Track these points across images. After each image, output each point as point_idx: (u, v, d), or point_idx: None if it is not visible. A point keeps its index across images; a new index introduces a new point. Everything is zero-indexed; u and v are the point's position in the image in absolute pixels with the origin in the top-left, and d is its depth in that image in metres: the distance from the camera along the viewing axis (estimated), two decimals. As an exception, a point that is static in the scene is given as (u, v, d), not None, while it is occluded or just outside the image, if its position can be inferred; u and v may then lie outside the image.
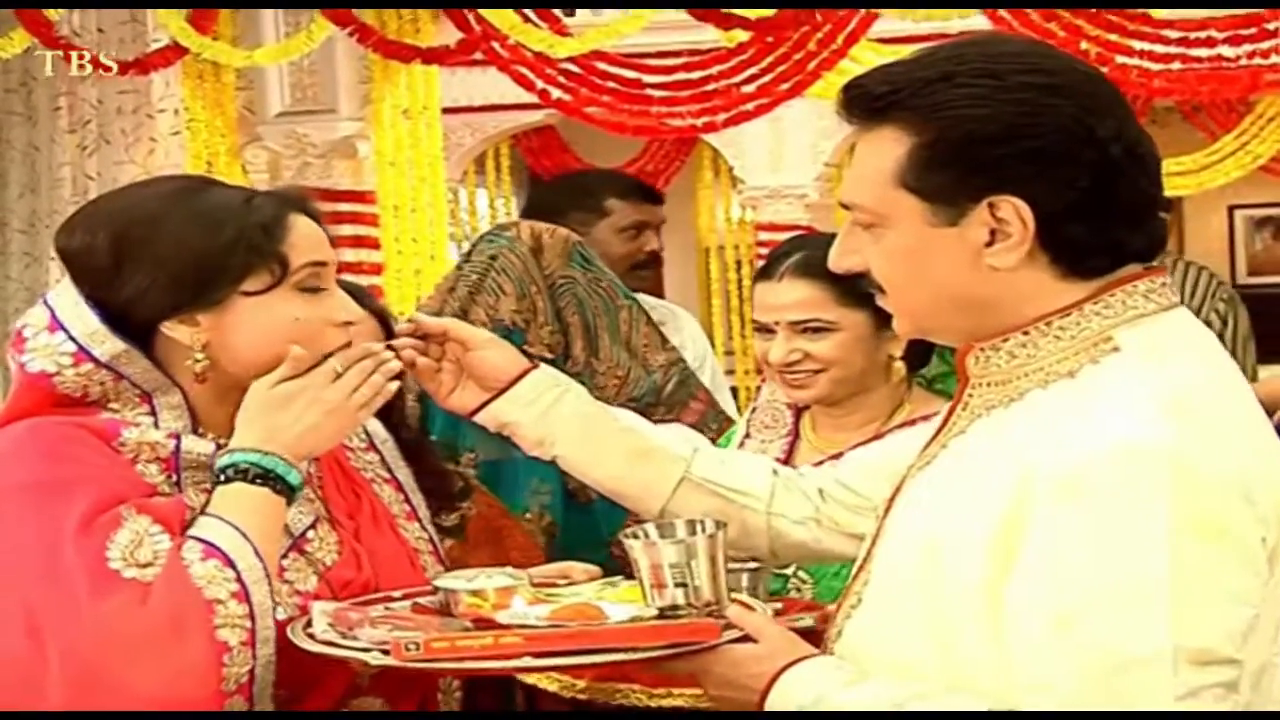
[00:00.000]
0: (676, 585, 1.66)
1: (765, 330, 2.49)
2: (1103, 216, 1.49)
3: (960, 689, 1.47)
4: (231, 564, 1.65)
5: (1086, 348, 1.50)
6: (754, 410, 2.65)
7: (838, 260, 1.62)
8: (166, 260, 1.73)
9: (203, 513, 1.72)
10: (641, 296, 3.78)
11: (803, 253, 2.44)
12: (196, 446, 1.78)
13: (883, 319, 1.72)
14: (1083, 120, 1.47)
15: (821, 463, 2.47)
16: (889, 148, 1.52)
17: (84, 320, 1.75)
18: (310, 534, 1.83)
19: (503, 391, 1.90)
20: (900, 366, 2.48)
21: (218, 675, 1.60)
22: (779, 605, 2.20)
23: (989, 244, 1.50)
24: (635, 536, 1.70)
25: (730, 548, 2.04)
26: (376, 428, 2.04)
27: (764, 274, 2.51)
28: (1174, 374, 1.46)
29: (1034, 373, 1.52)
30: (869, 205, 1.55)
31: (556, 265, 2.66)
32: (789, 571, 2.47)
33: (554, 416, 1.89)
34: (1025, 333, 1.53)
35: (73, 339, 1.75)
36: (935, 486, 1.58)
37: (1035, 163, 1.47)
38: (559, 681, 2.07)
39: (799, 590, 2.44)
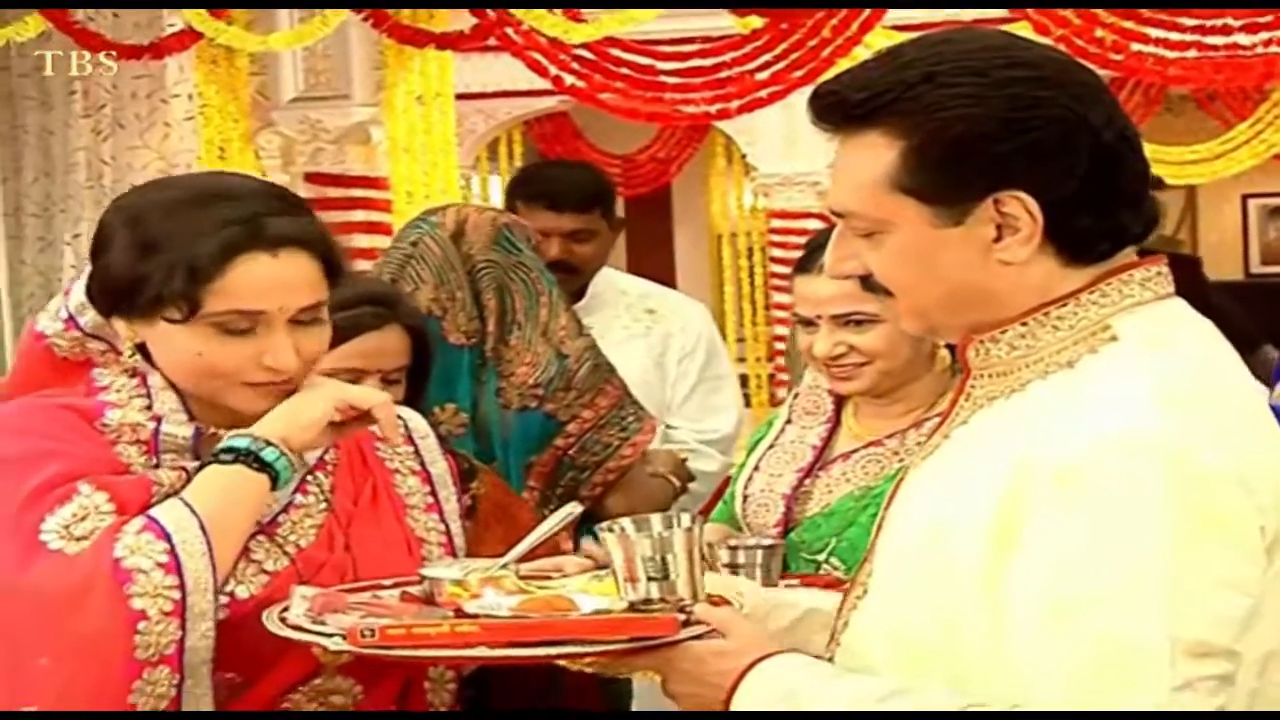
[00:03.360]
0: (650, 579, 1.62)
1: (807, 323, 2.48)
2: (1105, 201, 1.49)
3: (949, 684, 1.47)
4: (167, 536, 1.65)
5: (1085, 337, 1.50)
6: (796, 396, 2.64)
7: (835, 267, 1.60)
8: (110, 266, 1.77)
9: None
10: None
11: None
12: (177, 430, 1.80)
13: None
14: (1074, 109, 1.47)
15: (859, 450, 2.47)
16: (878, 153, 1.50)
17: (77, 291, 1.83)
18: (281, 518, 1.83)
19: None
20: (945, 355, 2.47)
21: (128, 643, 1.60)
22: (794, 582, 2.19)
23: (997, 239, 1.49)
24: (611, 530, 1.67)
25: None
26: (419, 423, 2.05)
27: (802, 267, 2.48)
28: (1171, 364, 1.46)
29: (1034, 364, 1.52)
30: (865, 212, 1.53)
31: (479, 249, 2.66)
32: (821, 558, 2.47)
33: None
34: (1024, 323, 1.52)
35: (66, 306, 1.84)
36: (938, 476, 1.58)
37: (1035, 156, 1.46)
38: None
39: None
